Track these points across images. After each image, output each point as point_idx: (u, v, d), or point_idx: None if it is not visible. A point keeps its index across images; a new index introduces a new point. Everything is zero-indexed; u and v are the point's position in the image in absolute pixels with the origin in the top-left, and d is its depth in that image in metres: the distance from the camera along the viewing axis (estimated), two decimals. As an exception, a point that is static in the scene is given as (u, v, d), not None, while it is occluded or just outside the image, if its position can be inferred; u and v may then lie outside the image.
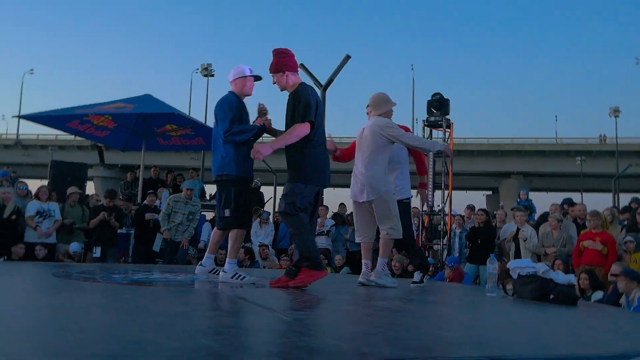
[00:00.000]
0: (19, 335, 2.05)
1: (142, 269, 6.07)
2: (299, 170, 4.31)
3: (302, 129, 4.20)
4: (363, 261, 5.03)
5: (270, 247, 9.81)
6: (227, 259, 4.59)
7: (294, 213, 4.26)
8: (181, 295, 3.90)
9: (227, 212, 4.47)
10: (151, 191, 9.73)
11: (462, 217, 9.62)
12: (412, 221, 5.12)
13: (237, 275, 4.54)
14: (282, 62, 4.45)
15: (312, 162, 4.33)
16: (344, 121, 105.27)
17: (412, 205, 5.94)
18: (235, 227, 4.51)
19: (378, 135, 4.79)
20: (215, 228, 4.80)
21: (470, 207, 10.14)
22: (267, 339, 2.23)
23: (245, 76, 4.66)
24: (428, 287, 5.70)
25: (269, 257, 9.43)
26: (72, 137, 46.44)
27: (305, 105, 4.23)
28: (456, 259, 8.48)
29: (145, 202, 9.60)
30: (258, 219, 10.43)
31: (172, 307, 3.12)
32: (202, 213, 11.26)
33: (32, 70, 63.19)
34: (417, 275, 5.31)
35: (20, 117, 11.22)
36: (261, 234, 10.18)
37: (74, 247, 8.44)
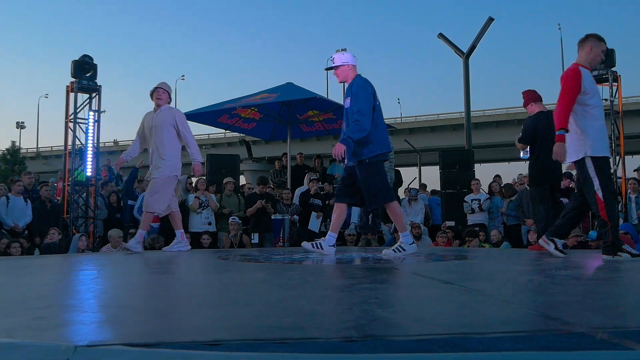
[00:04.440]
0: (198, 308, 2.04)
1: (299, 251, 6.13)
2: None
3: None
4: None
5: (422, 225, 9.51)
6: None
7: None
8: (343, 270, 3.81)
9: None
10: (315, 177, 10.10)
11: (638, 180, 8.52)
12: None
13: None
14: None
15: None
16: (488, 92, 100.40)
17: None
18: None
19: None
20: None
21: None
22: (447, 310, 1.99)
23: None
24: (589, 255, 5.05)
25: (421, 235, 9.12)
26: (222, 135, 49.91)
27: None
28: (629, 226, 7.63)
29: (307, 188, 9.87)
30: (407, 197, 10.20)
31: (336, 281, 3.02)
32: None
33: (183, 76, 68.42)
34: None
35: (176, 116, 12.06)
36: (411, 213, 9.92)
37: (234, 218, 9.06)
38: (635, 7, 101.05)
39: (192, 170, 6.04)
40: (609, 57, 8.46)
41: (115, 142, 57.99)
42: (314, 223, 9.42)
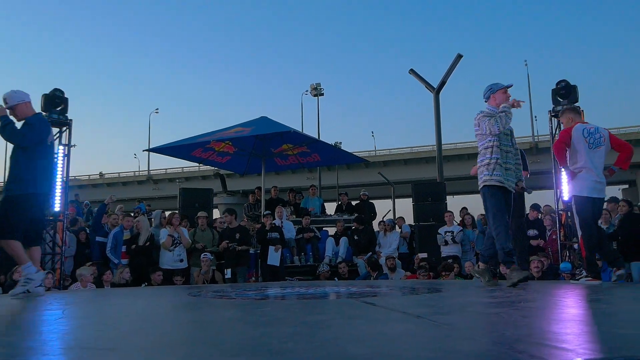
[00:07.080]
0: (167, 349, 2.01)
1: (272, 286, 6.08)
2: None
3: None
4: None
5: (396, 258, 9.53)
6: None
7: None
8: (315, 306, 3.78)
9: None
10: (268, 212, 9.94)
11: (609, 211, 8.69)
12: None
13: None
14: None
15: None
16: (459, 125, 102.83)
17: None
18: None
19: None
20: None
21: (614, 200, 9.16)
22: (417, 345, 2.00)
23: None
24: (558, 286, 5.13)
25: (395, 267, 9.14)
26: (196, 168, 49.68)
27: None
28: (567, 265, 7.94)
29: (262, 221, 9.79)
30: (381, 229, 10.26)
31: (308, 317, 3.00)
32: (325, 229, 11.29)
33: (157, 109, 68.30)
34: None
35: (149, 150, 11.99)
36: (385, 244, 9.96)
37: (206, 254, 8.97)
38: (597, 44, 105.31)
39: None
40: (572, 92, 8.74)
41: (102, 174, 57.51)
42: (273, 257, 9.27)
